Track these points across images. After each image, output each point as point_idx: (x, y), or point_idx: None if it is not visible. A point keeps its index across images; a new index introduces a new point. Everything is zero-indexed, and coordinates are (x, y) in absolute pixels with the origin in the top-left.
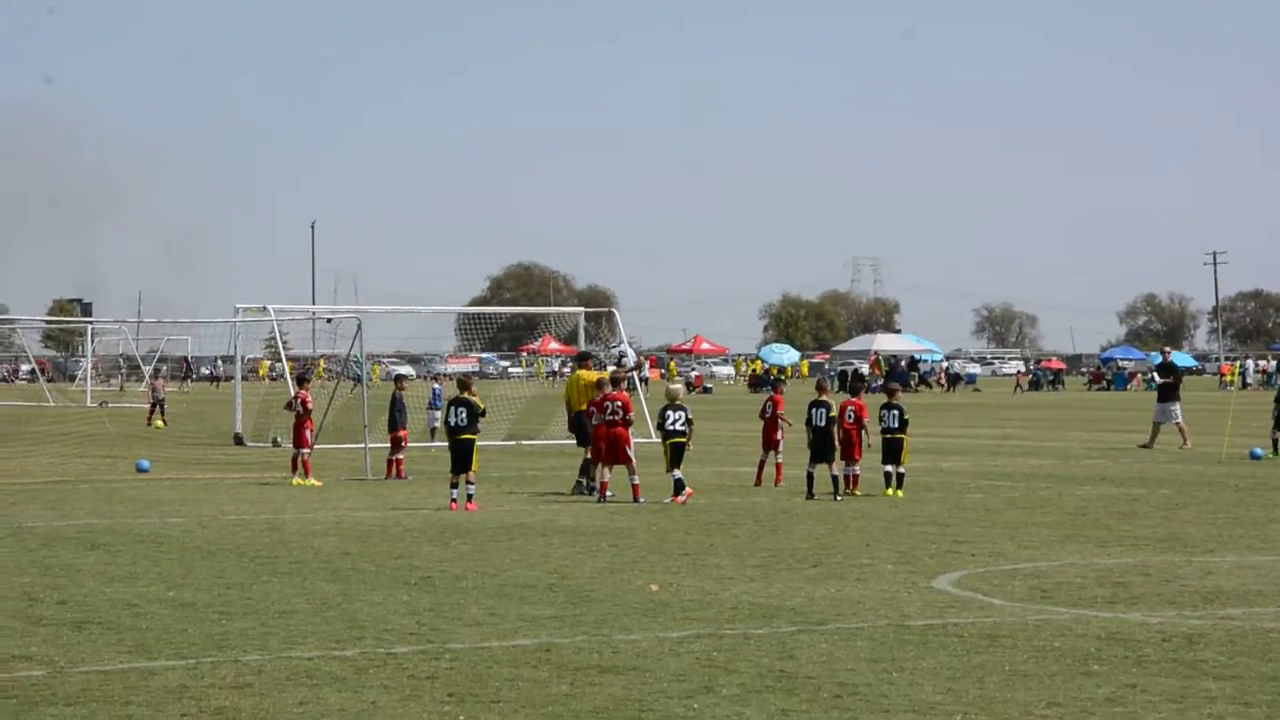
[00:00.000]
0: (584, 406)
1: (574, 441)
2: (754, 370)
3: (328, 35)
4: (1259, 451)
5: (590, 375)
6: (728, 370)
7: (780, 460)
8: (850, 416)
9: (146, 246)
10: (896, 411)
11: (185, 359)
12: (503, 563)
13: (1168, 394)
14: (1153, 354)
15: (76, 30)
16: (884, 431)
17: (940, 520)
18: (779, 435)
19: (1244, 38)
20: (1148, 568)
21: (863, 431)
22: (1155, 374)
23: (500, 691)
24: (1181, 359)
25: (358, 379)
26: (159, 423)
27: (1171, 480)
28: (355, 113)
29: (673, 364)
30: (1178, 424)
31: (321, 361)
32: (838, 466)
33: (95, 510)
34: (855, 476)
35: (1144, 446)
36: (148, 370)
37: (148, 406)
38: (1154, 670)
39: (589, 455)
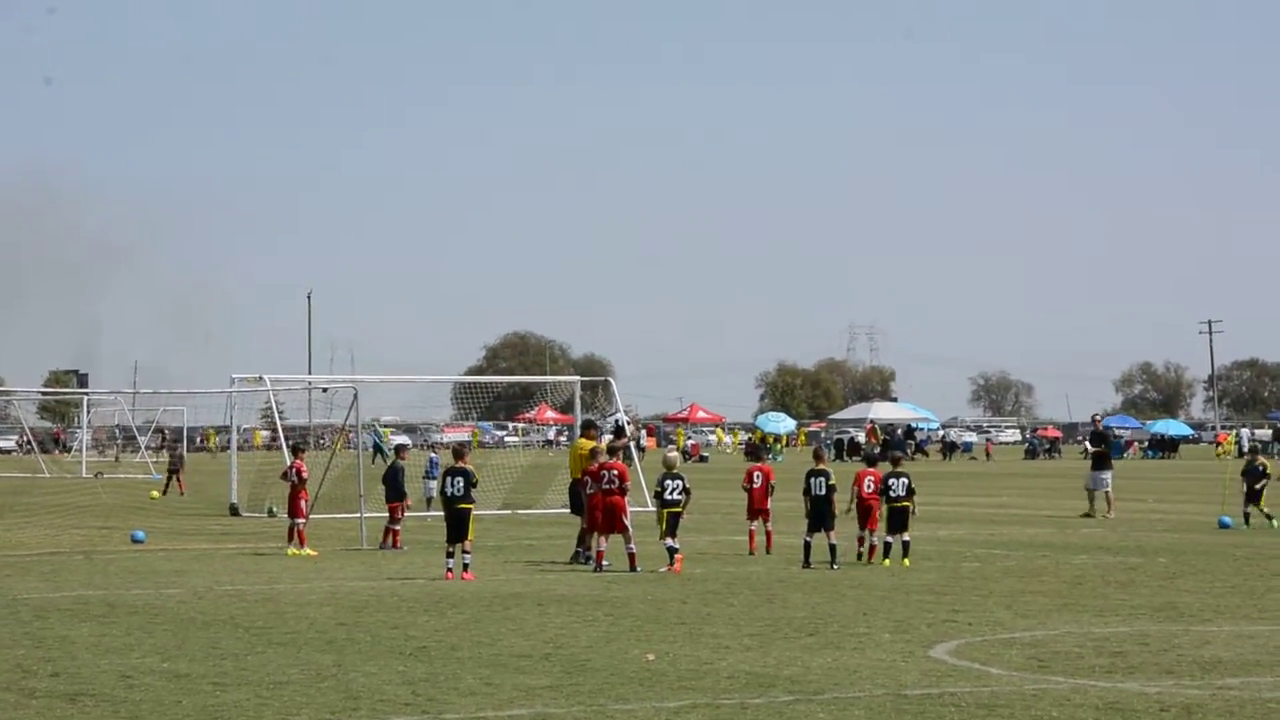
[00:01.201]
0: (579, 475)
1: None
2: (751, 439)
3: (314, 101)
4: (1227, 520)
5: (586, 444)
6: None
7: (770, 528)
8: (869, 486)
9: (143, 317)
10: (904, 480)
11: (158, 436)
12: (498, 632)
13: (1099, 462)
14: (1149, 423)
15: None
16: (892, 500)
17: (937, 589)
18: (769, 504)
19: (1241, 108)
20: (1145, 637)
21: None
22: (1088, 443)
23: None
24: (1176, 428)
25: (378, 449)
26: (154, 493)
27: (1168, 549)
28: (351, 181)
29: (680, 431)
30: (1105, 492)
31: (343, 435)
32: (835, 535)
33: (89, 582)
34: (874, 547)
35: (1086, 515)
36: (143, 440)
37: (165, 474)
38: None
39: (585, 524)
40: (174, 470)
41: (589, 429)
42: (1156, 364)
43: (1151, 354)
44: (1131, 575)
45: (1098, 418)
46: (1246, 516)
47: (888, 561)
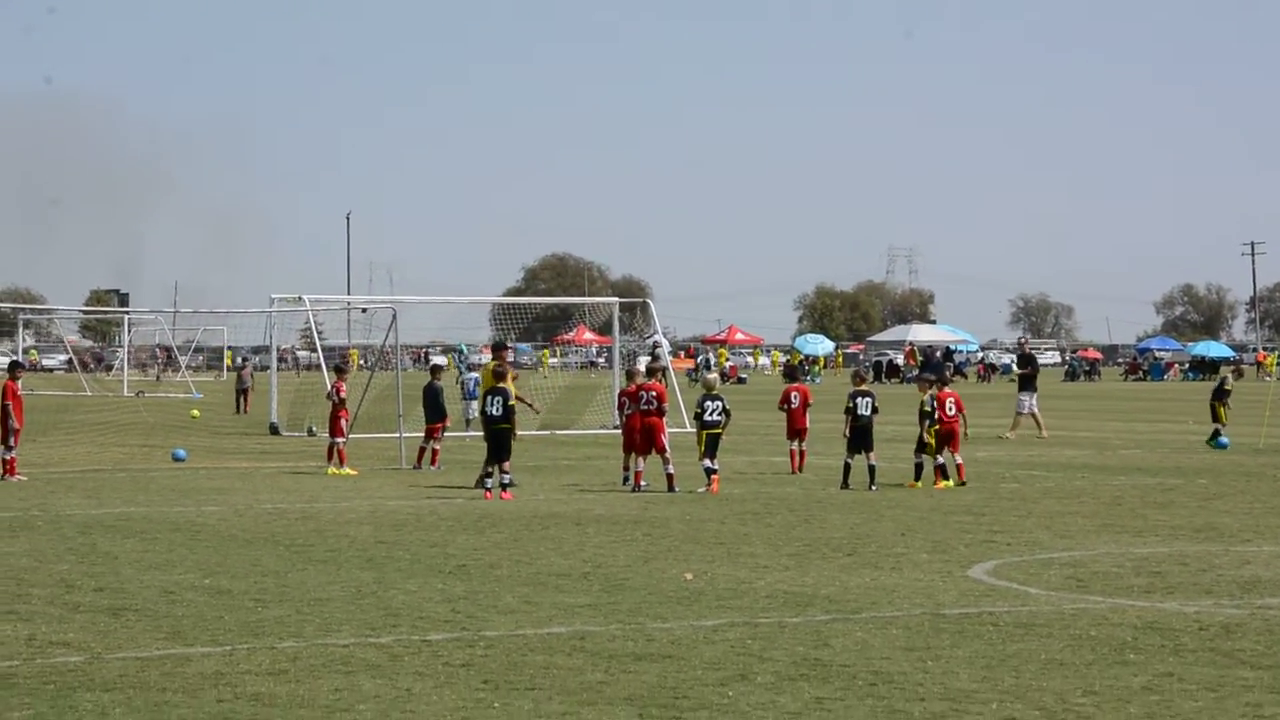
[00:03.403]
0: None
1: (617, 430)
2: (789, 360)
3: (355, 26)
4: (1224, 441)
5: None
6: (764, 360)
7: (804, 448)
8: (950, 409)
9: (184, 236)
10: (953, 400)
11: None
12: (537, 551)
13: (1026, 384)
14: (1190, 344)
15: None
16: (947, 420)
17: (976, 510)
18: (806, 423)
19: None
20: (1184, 557)
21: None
22: (1015, 364)
23: (535, 679)
24: (1218, 349)
25: (467, 366)
26: (194, 412)
27: (1208, 470)
28: (390, 103)
29: (723, 351)
30: (1033, 414)
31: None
32: (875, 456)
33: (132, 499)
34: (960, 466)
35: (1005, 437)
36: (184, 359)
37: (235, 394)
38: (1190, 659)
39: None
40: (242, 389)
41: (500, 350)
42: (1198, 285)
43: (1193, 275)
44: (1170, 496)
45: (1024, 341)
46: (1217, 433)
47: (949, 483)
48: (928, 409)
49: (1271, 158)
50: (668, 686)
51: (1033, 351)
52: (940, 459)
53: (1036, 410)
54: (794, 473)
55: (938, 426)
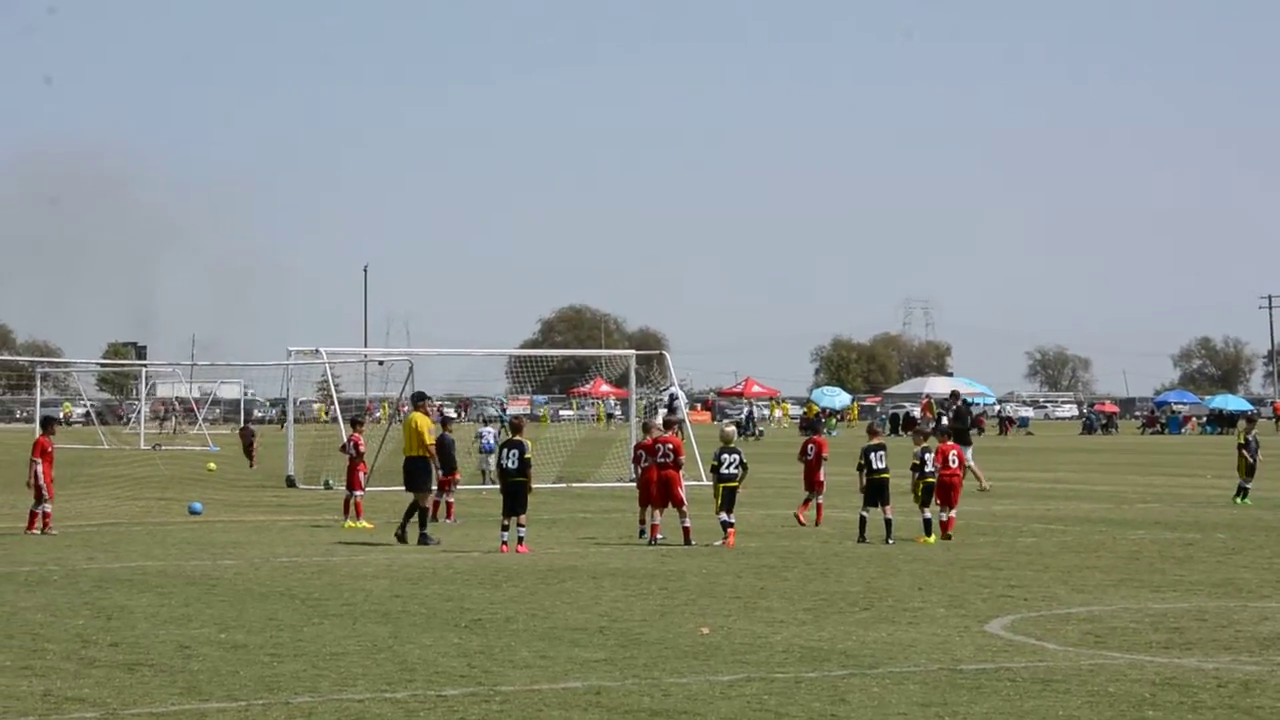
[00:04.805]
0: (415, 451)
1: (635, 486)
2: (806, 413)
3: (374, 77)
4: None
5: (422, 421)
6: (770, 413)
7: (821, 501)
8: (953, 461)
9: (201, 289)
10: (955, 453)
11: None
12: (553, 605)
13: (961, 437)
14: (1208, 398)
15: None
16: (948, 473)
17: (993, 564)
18: (822, 477)
19: None
20: (1203, 613)
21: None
22: (947, 419)
23: None
24: (1235, 403)
25: (488, 419)
26: (210, 465)
27: (1227, 525)
28: (408, 156)
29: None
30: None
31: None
32: (891, 510)
33: (148, 552)
34: (950, 519)
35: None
36: (201, 413)
37: (242, 446)
38: (1209, 716)
39: (416, 501)
40: (249, 443)
41: (421, 401)
42: (1215, 339)
43: (1211, 329)
44: (1189, 551)
45: (956, 394)
46: (1243, 491)
47: (933, 539)
48: (917, 461)
49: None
50: None
51: (967, 405)
52: (928, 513)
53: (970, 463)
54: (800, 522)
55: (931, 480)
